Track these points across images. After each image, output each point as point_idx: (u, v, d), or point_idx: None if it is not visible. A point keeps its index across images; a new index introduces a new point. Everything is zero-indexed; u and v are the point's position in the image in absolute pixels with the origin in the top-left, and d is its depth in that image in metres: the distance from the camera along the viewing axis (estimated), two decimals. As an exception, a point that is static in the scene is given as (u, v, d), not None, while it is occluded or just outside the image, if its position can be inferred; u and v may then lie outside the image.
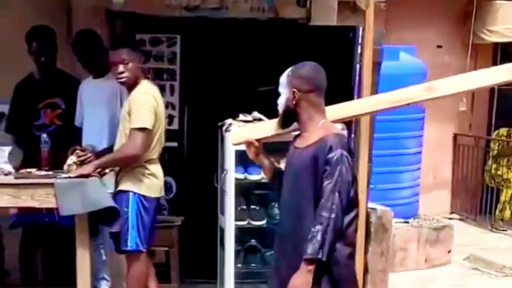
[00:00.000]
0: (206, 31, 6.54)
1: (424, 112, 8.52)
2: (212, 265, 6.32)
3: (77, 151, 5.69)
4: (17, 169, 5.52)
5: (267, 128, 4.51)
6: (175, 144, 6.87)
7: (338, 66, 6.15)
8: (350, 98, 6.03)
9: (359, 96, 5.73)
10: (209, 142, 6.34)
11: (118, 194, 5.51)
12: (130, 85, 5.40)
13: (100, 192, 5.38)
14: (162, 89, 6.76)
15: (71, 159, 5.61)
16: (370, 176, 5.83)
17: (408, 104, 4.38)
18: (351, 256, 4.09)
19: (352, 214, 4.03)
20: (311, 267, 3.88)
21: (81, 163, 5.59)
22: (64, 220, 5.50)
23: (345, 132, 4.93)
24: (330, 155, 3.93)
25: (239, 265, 6.06)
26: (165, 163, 5.90)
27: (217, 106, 6.61)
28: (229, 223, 5.93)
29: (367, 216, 5.89)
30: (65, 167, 5.56)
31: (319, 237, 3.87)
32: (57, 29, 6.54)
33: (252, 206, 6.06)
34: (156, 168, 5.49)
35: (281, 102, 4.24)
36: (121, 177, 5.52)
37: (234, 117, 5.95)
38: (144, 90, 5.36)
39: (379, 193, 6.67)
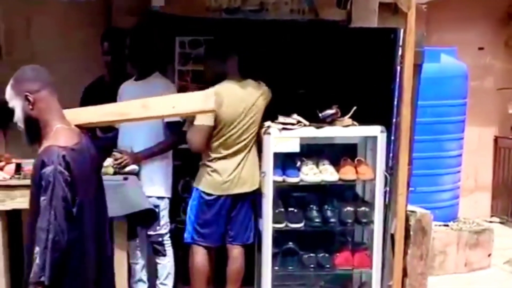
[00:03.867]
0: (246, 33, 6.52)
1: (465, 115, 8.42)
2: (248, 268, 6.28)
3: (114, 153, 5.73)
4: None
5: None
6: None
7: (378, 68, 6.10)
8: (390, 100, 6.00)
9: (399, 99, 5.67)
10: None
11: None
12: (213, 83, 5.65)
13: (138, 194, 5.42)
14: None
15: (108, 161, 5.64)
16: (410, 178, 5.77)
17: (128, 119, 4.31)
18: (76, 278, 3.78)
19: (75, 232, 3.73)
20: None
21: (119, 166, 5.64)
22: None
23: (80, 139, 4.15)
24: (43, 170, 3.67)
25: (276, 268, 6.02)
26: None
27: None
28: (267, 225, 5.90)
29: (407, 219, 5.83)
30: (102, 169, 5.60)
31: (38, 260, 3.62)
32: (97, 30, 6.61)
33: (290, 209, 6.00)
34: (221, 166, 5.65)
35: (18, 116, 3.85)
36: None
37: (273, 119, 5.93)
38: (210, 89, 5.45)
39: (419, 196, 6.59)
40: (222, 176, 5.69)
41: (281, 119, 5.92)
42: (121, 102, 5.33)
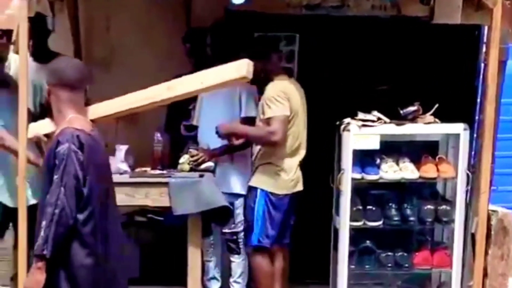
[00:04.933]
0: (326, 29, 6.49)
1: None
2: (324, 266, 6.25)
3: (191, 150, 5.76)
4: (132, 168, 5.62)
5: (50, 124, 4.28)
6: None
7: (461, 65, 6.02)
8: (473, 98, 5.91)
9: (483, 96, 5.57)
10: (325, 141, 6.26)
11: (248, 191, 5.61)
12: (261, 84, 5.62)
13: (214, 192, 5.43)
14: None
15: (184, 158, 5.68)
16: (492, 177, 5.66)
17: (154, 103, 4.24)
18: (89, 256, 3.82)
19: (86, 212, 3.82)
20: (40, 264, 3.71)
21: (195, 163, 5.67)
22: (171, 219, 5.57)
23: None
24: (57, 149, 3.79)
25: (353, 266, 5.95)
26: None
27: (335, 105, 6.56)
28: (344, 223, 5.85)
29: (488, 219, 5.70)
30: (178, 166, 5.64)
31: (42, 232, 3.72)
32: (177, 26, 6.67)
33: (368, 207, 5.93)
34: (288, 164, 5.61)
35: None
36: (252, 173, 5.59)
37: (353, 116, 5.88)
38: (276, 83, 5.58)
39: (501, 195, 6.48)
40: (288, 174, 5.65)
41: (361, 116, 5.86)
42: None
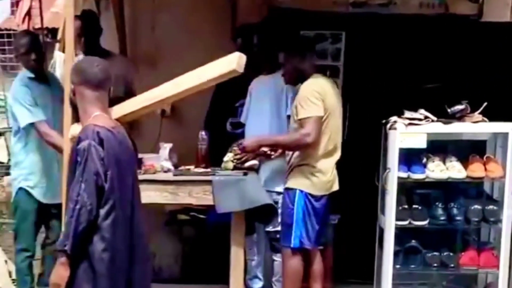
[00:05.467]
0: (372, 27, 6.47)
1: None
2: (368, 265, 6.21)
3: (235, 148, 5.76)
4: (176, 166, 5.63)
5: None
6: (335, 141, 6.84)
7: (510, 64, 5.95)
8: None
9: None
10: (371, 140, 6.24)
11: (285, 192, 5.55)
12: (294, 83, 5.57)
13: (258, 190, 5.41)
14: (324, 86, 6.79)
15: (228, 156, 5.67)
16: None
17: (164, 99, 4.32)
18: (106, 251, 3.80)
19: (106, 207, 3.81)
20: (63, 259, 3.73)
21: (239, 161, 5.66)
22: (214, 217, 5.57)
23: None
24: (78, 146, 3.82)
25: (398, 266, 5.87)
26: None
27: (381, 103, 6.53)
28: (389, 222, 5.78)
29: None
30: (222, 164, 5.64)
31: (64, 229, 3.79)
32: (222, 25, 6.69)
33: (414, 206, 5.86)
34: (324, 165, 5.52)
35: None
36: (289, 174, 5.56)
37: (399, 114, 5.84)
38: (310, 83, 5.46)
39: None
40: (325, 175, 5.56)
41: (407, 114, 5.79)
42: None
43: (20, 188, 5.76)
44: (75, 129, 4.43)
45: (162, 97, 4.31)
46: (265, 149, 5.67)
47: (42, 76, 5.75)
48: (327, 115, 5.44)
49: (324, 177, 5.53)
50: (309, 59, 5.67)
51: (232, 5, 6.90)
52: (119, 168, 3.86)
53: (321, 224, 5.64)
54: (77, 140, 3.84)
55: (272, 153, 5.74)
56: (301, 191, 5.50)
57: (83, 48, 6.14)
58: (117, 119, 4.14)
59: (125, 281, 3.90)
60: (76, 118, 4.17)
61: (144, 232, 4.09)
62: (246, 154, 5.68)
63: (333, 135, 5.54)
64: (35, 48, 5.74)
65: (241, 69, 4.15)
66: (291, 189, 5.54)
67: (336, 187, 5.68)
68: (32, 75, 5.72)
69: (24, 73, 5.85)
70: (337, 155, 5.64)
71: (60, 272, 3.75)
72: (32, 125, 5.58)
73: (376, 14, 6.33)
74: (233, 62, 4.17)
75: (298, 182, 5.51)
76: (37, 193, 5.66)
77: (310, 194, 5.51)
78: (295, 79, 5.59)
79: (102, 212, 3.79)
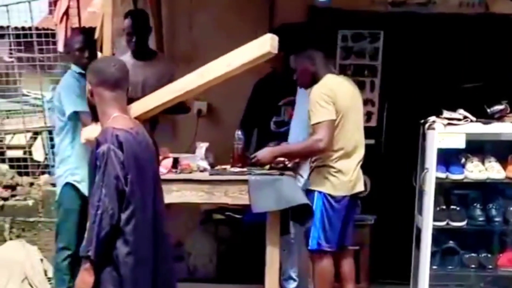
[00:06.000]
0: (411, 26, 6.44)
1: None
2: (404, 266, 6.18)
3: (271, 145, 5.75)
4: (212, 165, 5.64)
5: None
6: (372, 141, 6.80)
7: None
8: None
9: None
10: (408, 140, 6.21)
11: (306, 193, 5.52)
12: (308, 86, 5.49)
13: (294, 189, 5.36)
14: (361, 85, 6.78)
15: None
16: None
17: (190, 91, 4.22)
18: (130, 255, 3.75)
19: (128, 211, 3.76)
20: (87, 265, 3.68)
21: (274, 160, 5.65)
22: (251, 217, 5.56)
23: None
24: (98, 150, 3.75)
25: (435, 267, 5.83)
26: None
27: (419, 103, 6.50)
28: (427, 223, 5.74)
29: None
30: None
31: (87, 234, 3.74)
32: (260, 24, 6.68)
33: (452, 206, 5.82)
34: (344, 165, 5.43)
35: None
36: (309, 176, 5.53)
37: (438, 114, 5.81)
38: (320, 85, 5.38)
39: None
40: (346, 175, 5.47)
41: (446, 114, 5.73)
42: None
43: (66, 184, 5.84)
44: (88, 133, 4.43)
45: (186, 89, 4.24)
46: (281, 159, 5.63)
47: None
48: (341, 116, 5.37)
49: (344, 177, 5.45)
50: (320, 60, 5.55)
51: (270, 4, 6.90)
52: (139, 169, 3.82)
53: (343, 226, 5.57)
54: (96, 143, 3.81)
55: (287, 161, 5.71)
56: (320, 192, 5.44)
57: (132, 47, 6.19)
58: (138, 117, 4.13)
59: (150, 282, 3.88)
60: (95, 119, 4.10)
61: (166, 229, 4.06)
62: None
63: (351, 135, 5.47)
64: (88, 46, 5.83)
65: (275, 50, 4.03)
66: (311, 190, 5.50)
67: (360, 187, 5.61)
68: (82, 71, 5.72)
69: (74, 69, 5.94)
70: (359, 155, 5.55)
71: (85, 278, 3.73)
72: (77, 114, 5.65)
73: (415, 13, 6.31)
74: (266, 44, 4.05)
75: (317, 184, 5.47)
76: (83, 188, 5.68)
77: (329, 195, 5.44)
78: (308, 82, 5.52)
79: (124, 216, 3.76)
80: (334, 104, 5.30)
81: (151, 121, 6.28)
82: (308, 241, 5.55)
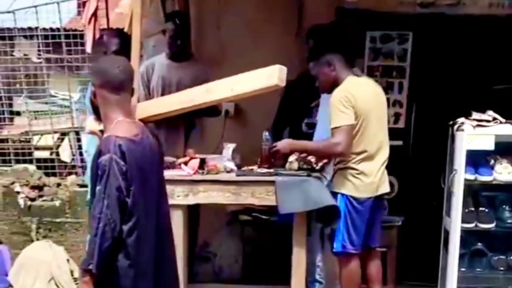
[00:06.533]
0: (440, 27, 6.41)
1: None
2: (431, 268, 6.15)
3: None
4: (239, 166, 5.64)
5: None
6: (400, 142, 6.80)
7: None
8: None
9: None
10: (437, 141, 6.18)
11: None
12: (330, 91, 5.43)
13: (321, 191, 5.35)
14: (390, 86, 6.78)
15: (293, 156, 5.65)
16: None
17: (196, 105, 4.15)
18: (131, 267, 3.70)
19: (130, 223, 3.69)
20: (86, 278, 3.62)
21: (303, 160, 5.63)
22: (282, 218, 5.54)
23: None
24: (99, 159, 3.67)
25: (463, 269, 5.80)
26: (388, 161, 5.81)
27: (447, 104, 6.47)
28: (455, 225, 5.71)
29: None
30: (287, 164, 5.62)
31: (88, 247, 3.67)
32: (287, 26, 6.68)
33: (481, 208, 5.78)
34: (367, 167, 5.39)
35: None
36: (333, 178, 5.52)
37: (467, 116, 5.77)
38: (339, 89, 5.34)
39: None
40: (369, 177, 5.42)
41: (475, 115, 5.70)
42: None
43: None
44: (92, 124, 4.38)
45: (193, 103, 4.17)
46: (309, 158, 5.62)
47: None
48: (362, 119, 5.33)
49: (367, 179, 5.41)
50: (339, 64, 5.47)
51: (299, 6, 6.89)
52: (143, 179, 3.76)
53: (369, 227, 5.53)
54: (98, 152, 3.73)
55: (314, 163, 5.70)
56: (343, 195, 5.41)
57: (175, 49, 6.20)
58: (144, 119, 4.03)
59: None
60: (99, 120, 4.01)
61: (170, 237, 4.04)
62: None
63: (374, 137, 5.42)
64: (125, 48, 5.75)
65: (282, 83, 3.90)
66: (334, 193, 5.45)
67: (385, 188, 5.57)
68: None
69: None
70: (383, 156, 5.50)
71: None
72: None
73: (444, 14, 6.28)
74: (273, 76, 3.93)
75: (340, 186, 5.43)
76: None
77: (352, 197, 5.41)
78: (330, 87, 5.46)
79: (126, 228, 3.70)
80: (354, 107, 5.26)
81: (186, 125, 6.37)
82: (333, 244, 5.53)
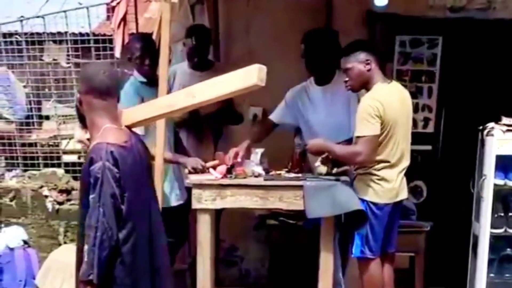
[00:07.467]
0: (471, 32, 6.39)
1: None
2: (460, 273, 6.11)
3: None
4: (267, 171, 5.64)
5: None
6: (429, 147, 6.79)
7: None
8: None
9: None
10: (466, 146, 6.15)
11: None
12: (359, 90, 5.37)
13: (349, 195, 5.32)
14: (419, 91, 6.77)
15: (319, 160, 5.65)
16: None
17: (176, 110, 4.03)
18: (128, 276, 3.68)
19: (125, 231, 3.67)
20: None
21: (326, 163, 5.62)
22: (311, 222, 5.54)
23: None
24: (91, 167, 3.61)
25: (492, 274, 5.77)
26: (417, 166, 5.80)
27: (477, 109, 6.44)
28: (484, 230, 5.68)
29: None
30: (316, 169, 5.62)
31: (86, 257, 3.59)
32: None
33: (510, 214, 5.74)
34: (388, 173, 5.31)
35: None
36: (352, 183, 5.50)
37: (497, 120, 5.74)
38: (368, 96, 5.25)
39: None
40: (390, 183, 5.32)
41: (505, 120, 5.67)
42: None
43: None
44: (81, 133, 4.37)
45: (175, 107, 4.10)
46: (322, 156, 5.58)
47: (153, 81, 5.54)
48: (389, 128, 5.22)
49: (388, 185, 5.32)
50: (375, 65, 5.31)
51: (327, 10, 6.88)
52: (136, 185, 3.75)
53: (386, 232, 5.45)
54: (89, 160, 3.68)
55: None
56: (363, 200, 5.31)
57: (193, 62, 6.25)
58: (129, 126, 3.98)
59: None
60: (85, 128, 3.96)
61: (163, 241, 4.01)
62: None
63: (398, 146, 5.31)
64: (149, 52, 5.71)
65: (262, 83, 3.87)
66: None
67: (403, 195, 5.48)
68: (143, 80, 5.74)
69: (135, 78, 5.83)
70: (404, 163, 5.40)
71: None
72: None
73: (474, 19, 6.26)
74: (252, 75, 3.84)
75: (360, 191, 5.35)
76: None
77: (372, 203, 5.32)
78: (360, 87, 5.36)
79: (121, 235, 3.68)
80: (381, 117, 5.15)
81: (215, 134, 6.38)
82: (352, 249, 5.49)
